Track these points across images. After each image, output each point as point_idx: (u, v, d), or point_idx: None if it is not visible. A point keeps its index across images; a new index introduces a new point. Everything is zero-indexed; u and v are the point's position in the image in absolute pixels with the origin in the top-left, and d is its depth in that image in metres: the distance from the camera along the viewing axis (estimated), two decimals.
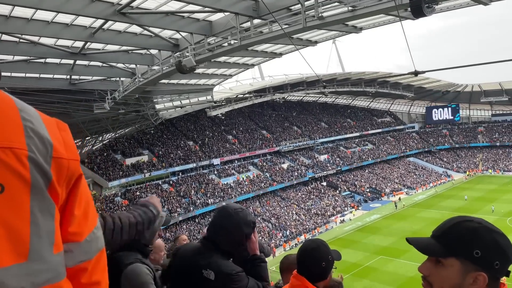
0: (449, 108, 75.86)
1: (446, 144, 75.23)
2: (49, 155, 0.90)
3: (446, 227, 1.23)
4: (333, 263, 2.25)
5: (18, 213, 0.83)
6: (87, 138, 40.42)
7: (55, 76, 23.79)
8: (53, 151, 0.91)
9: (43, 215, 0.87)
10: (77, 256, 0.97)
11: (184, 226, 41.75)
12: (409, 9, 12.08)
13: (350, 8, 14.30)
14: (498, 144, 71.10)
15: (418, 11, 11.57)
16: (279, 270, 2.88)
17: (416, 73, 11.48)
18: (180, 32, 18.63)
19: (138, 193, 42.88)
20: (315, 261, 2.17)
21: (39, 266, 0.85)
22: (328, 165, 60.72)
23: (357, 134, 70.47)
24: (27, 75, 22.44)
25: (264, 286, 2.20)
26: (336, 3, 14.72)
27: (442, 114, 76.67)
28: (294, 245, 40.39)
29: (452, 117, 76.15)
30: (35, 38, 17.64)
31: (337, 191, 56.31)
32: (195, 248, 2.29)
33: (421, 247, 1.22)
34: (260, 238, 32.27)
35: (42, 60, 20.97)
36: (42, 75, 23.11)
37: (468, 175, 64.90)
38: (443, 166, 69.96)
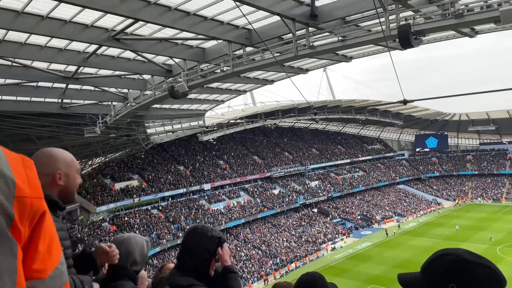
0: (438, 137, 77.00)
1: (435, 172, 75.88)
2: (11, 195, 0.88)
3: (428, 261, 1.24)
4: None
5: None
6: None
7: (47, 99, 23.72)
8: (16, 190, 0.89)
9: (5, 255, 0.86)
10: None
11: (173, 253, 40.90)
12: (397, 40, 12.42)
13: (340, 38, 14.67)
14: (486, 172, 71.90)
15: (406, 42, 11.91)
16: None
17: (405, 102, 11.70)
18: (173, 58, 18.85)
19: (126, 218, 42.15)
20: None
21: None
22: (319, 191, 60.62)
23: (348, 160, 70.84)
24: (19, 98, 22.36)
25: None
26: (327, 33, 15.11)
27: (431, 142, 77.75)
28: (285, 273, 39.73)
29: (441, 146, 77.19)
30: (28, 62, 17.69)
31: (328, 218, 56.01)
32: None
33: (404, 283, 1.26)
34: (251, 265, 31.31)
35: (34, 84, 20.96)
36: (33, 99, 23.03)
37: (457, 203, 65.21)
38: (433, 193, 70.29)
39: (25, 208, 0.91)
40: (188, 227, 43.45)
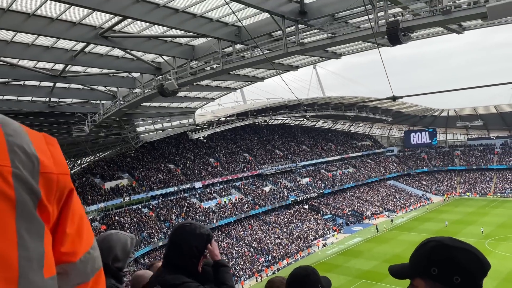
0: (427, 132, 77.82)
1: (424, 167, 76.71)
2: (36, 171, 0.84)
3: (415, 250, 1.28)
4: None
5: (3, 236, 0.77)
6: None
7: (34, 98, 23.40)
8: (40, 166, 0.85)
9: (32, 237, 0.81)
10: (73, 279, 0.91)
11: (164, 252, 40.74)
12: (386, 36, 12.50)
13: (329, 35, 14.72)
14: (474, 167, 72.89)
15: (394, 39, 11.99)
16: None
17: (394, 98, 11.80)
18: (163, 56, 18.73)
19: (116, 217, 41.86)
20: None
21: None
22: (310, 188, 60.88)
23: (338, 157, 71.22)
24: (5, 97, 22.03)
25: None
26: (316, 30, 15.14)
27: (420, 138, 78.57)
28: (276, 270, 39.85)
29: (429, 141, 78.05)
30: (14, 61, 17.42)
31: (319, 215, 56.30)
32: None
33: (393, 273, 1.29)
34: (243, 263, 31.40)
35: (21, 83, 20.65)
36: (20, 98, 22.70)
37: (446, 198, 66.05)
38: (422, 189, 71.07)
39: (51, 185, 0.87)
40: None
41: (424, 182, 73.37)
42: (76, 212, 0.94)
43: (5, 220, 0.78)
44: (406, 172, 75.13)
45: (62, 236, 0.90)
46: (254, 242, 45.87)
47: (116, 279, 2.30)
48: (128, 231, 39.46)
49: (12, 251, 0.78)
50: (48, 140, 0.92)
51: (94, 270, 0.97)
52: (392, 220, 54.28)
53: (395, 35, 11.87)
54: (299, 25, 14.90)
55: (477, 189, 68.09)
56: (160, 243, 40.46)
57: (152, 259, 37.83)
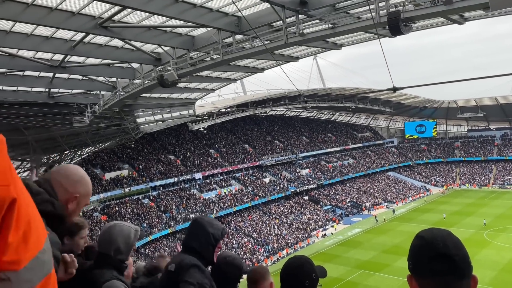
0: (427, 124, 77.70)
1: (424, 158, 76.77)
2: None
3: None
4: (318, 281, 2.24)
5: None
6: (65, 152, 39.62)
7: (34, 89, 23.35)
8: None
9: None
10: (17, 285, 0.89)
11: (165, 242, 41.03)
12: (387, 27, 12.42)
13: (330, 25, 14.62)
14: (474, 159, 72.94)
15: (395, 29, 11.91)
16: (247, 281, 2.80)
17: (394, 89, 11.77)
18: (162, 46, 18.62)
19: (117, 208, 42.03)
20: (298, 279, 2.15)
21: None
22: (310, 179, 61.00)
23: (338, 148, 71.27)
24: (5, 87, 21.97)
25: None
26: (317, 20, 15.03)
27: (420, 129, 78.46)
28: (276, 260, 40.13)
29: (429, 133, 77.95)
30: (13, 51, 17.34)
31: (319, 205, 56.51)
32: None
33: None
34: (243, 253, 31.67)
35: (21, 73, 20.59)
36: (20, 88, 22.65)
37: (445, 189, 66.22)
38: (422, 180, 71.21)
39: None
40: (179, 216, 43.62)
41: (423, 174, 73.50)
42: (21, 220, 0.90)
43: None
44: (406, 164, 75.19)
45: (3, 245, 0.87)
46: (254, 233, 46.11)
47: (118, 271, 2.30)
48: (128, 221, 39.57)
49: None
50: None
51: (42, 275, 0.94)
52: (394, 211, 54.56)
53: (396, 25, 11.79)
54: (300, 15, 14.78)
55: (477, 180, 68.23)
56: (160, 234, 40.69)
57: (153, 250, 38.08)
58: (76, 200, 1.65)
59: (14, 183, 0.89)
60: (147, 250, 37.86)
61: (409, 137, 79.85)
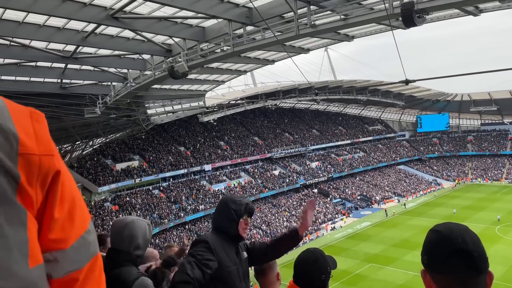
0: (439, 117, 76.73)
1: (436, 152, 75.95)
2: (14, 151, 0.76)
3: None
4: (330, 273, 2.24)
5: None
6: (77, 143, 40.05)
7: (46, 79, 23.57)
8: (19, 146, 0.77)
9: (12, 225, 0.75)
10: (64, 266, 0.85)
11: (175, 232, 41.41)
12: (400, 18, 12.22)
13: (342, 16, 14.44)
14: (487, 153, 71.95)
15: (409, 21, 11.72)
16: (254, 271, 2.78)
17: (407, 82, 11.62)
18: (173, 38, 18.62)
19: (128, 198, 42.49)
20: (314, 274, 2.15)
21: (12, 284, 0.73)
22: (319, 172, 60.85)
23: (348, 141, 70.85)
24: (18, 78, 22.22)
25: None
26: (329, 12, 14.86)
27: (432, 122, 77.53)
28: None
29: (442, 126, 76.99)
30: (26, 41, 17.49)
31: (328, 198, 56.41)
32: None
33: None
34: None
35: (33, 64, 20.78)
36: (32, 79, 22.88)
37: (457, 183, 65.53)
38: (433, 174, 70.54)
39: (32, 167, 0.80)
40: (189, 207, 43.94)
41: (435, 167, 72.77)
42: (66, 195, 0.87)
43: None
44: (417, 157, 74.46)
45: (49, 222, 0.84)
46: (263, 225, 46.29)
47: (137, 266, 2.31)
48: (139, 212, 40.10)
49: None
50: (34, 116, 0.84)
51: (89, 256, 0.91)
52: (404, 204, 54.27)
53: (409, 17, 11.59)
54: (311, 7, 14.62)
55: (489, 175, 67.35)
56: (171, 225, 41.06)
57: (163, 240, 38.48)
58: None
59: (57, 155, 0.86)
60: (157, 241, 38.26)
61: (421, 131, 78.98)
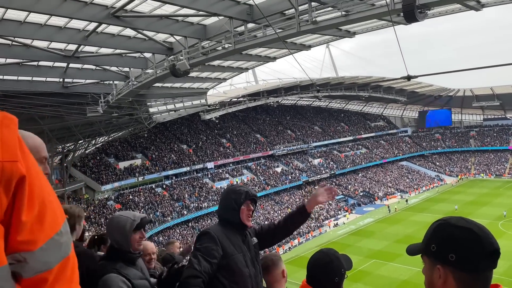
0: (442, 113, 76.50)
1: (438, 148, 75.78)
2: None
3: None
4: (345, 274, 2.22)
5: None
6: (80, 142, 40.13)
7: (48, 79, 23.58)
8: None
9: None
10: (33, 267, 0.86)
11: (178, 230, 41.53)
12: (401, 14, 12.18)
13: (343, 13, 14.39)
14: (489, 148, 71.74)
15: (410, 16, 11.68)
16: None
17: (409, 78, 11.58)
18: (174, 36, 18.60)
19: (131, 197, 42.61)
20: (328, 276, 2.14)
21: None
22: (321, 168, 60.84)
23: (351, 138, 70.78)
24: (20, 78, 22.25)
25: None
26: (330, 8, 14.81)
27: (434, 118, 77.31)
28: (288, 249, 40.32)
29: (444, 122, 76.78)
30: (27, 41, 17.51)
31: None
32: None
33: (408, 250, 1.34)
34: None
35: (35, 63, 20.79)
36: (34, 78, 22.89)
37: (459, 179, 65.39)
38: (436, 170, 70.42)
39: None
40: (192, 205, 44.04)
41: (437, 163, 72.64)
42: (35, 198, 0.88)
43: None
44: (419, 153, 74.34)
45: (17, 224, 0.85)
46: (266, 222, 46.33)
47: (127, 262, 2.32)
48: (142, 210, 40.21)
49: None
50: (5, 122, 0.85)
51: (59, 257, 0.92)
52: (407, 200, 54.24)
53: (411, 12, 11.54)
54: (312, 3, 14.57)
55: (492, 170, 67.17)
56: (173, 222, 41.17)
57: (166, 238, 38.60)
58: None
59: (24, 160, 0.87)
60: (160, 238, 38.38)
61: (423, 127, 78.75)
